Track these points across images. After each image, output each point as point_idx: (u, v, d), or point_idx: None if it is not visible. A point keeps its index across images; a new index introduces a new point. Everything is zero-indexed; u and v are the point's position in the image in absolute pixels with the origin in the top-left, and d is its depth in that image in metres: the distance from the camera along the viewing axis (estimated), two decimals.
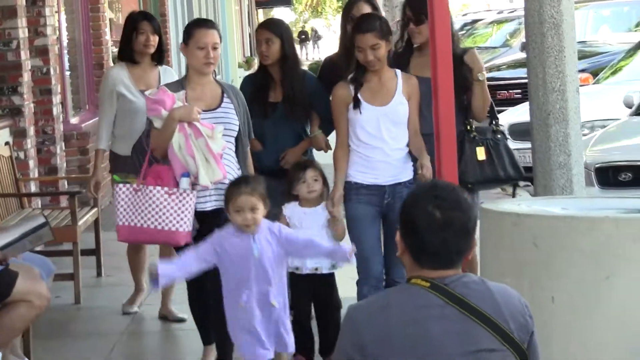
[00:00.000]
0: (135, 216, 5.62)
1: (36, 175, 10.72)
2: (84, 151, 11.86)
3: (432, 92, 5.67)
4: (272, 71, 7.26)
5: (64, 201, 10.34)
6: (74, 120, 12.94)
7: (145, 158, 5.96)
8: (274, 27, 7.52)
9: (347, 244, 6.04)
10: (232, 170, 6.04)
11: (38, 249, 7.53)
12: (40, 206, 10.18)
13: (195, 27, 6.22)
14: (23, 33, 10.35)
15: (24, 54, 10.34)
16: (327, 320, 6.40)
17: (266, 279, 5.45)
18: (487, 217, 5.36)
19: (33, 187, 10.45)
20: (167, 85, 6.24)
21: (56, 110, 11.42)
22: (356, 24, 6.54)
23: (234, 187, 5.56)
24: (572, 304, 4.64)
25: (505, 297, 3.78)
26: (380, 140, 6.24)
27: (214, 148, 5.63)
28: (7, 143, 9.57)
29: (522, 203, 5.59)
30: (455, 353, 3.64)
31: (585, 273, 4.17)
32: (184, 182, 5.58)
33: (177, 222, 5.58)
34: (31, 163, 10.48)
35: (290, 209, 6.31)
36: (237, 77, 33.49)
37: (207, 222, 5.88)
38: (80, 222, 8.75)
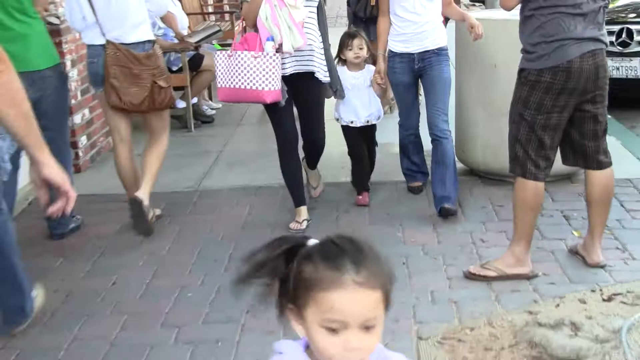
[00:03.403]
0: (229, 79, 4.20)
1: (211, 2, 10.93)
2: None
3: None
4: None
5: (227, 17, 10.44)
6: None
7: (239, 27, 4.45)
8: None
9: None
10: (313, 37, 4.30)
11: (214, 41, 7.94)
12: (214, 20, 10.23)
13: None
14: None
15: None
16: (371, 152, 5.06)
17: None
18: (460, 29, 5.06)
19: (210, 9, 10.60)
20: None
21: None
22: None
23: (333, 270, 1.32)
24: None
25: None
26: (414, 14, 4.58)
27: (296, 17, 4.11)
28: None
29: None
30: None
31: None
32: (268, 46, 4.11)
33: (264, 82, 4.11)
34: None
35: (342, 74, 4.72)
36: None
37: (289, 85, 4.34)
38: (235, 29, 8.88)
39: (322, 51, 4.36)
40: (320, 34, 4.35)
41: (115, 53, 4.40)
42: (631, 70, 6.94)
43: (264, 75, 4.10)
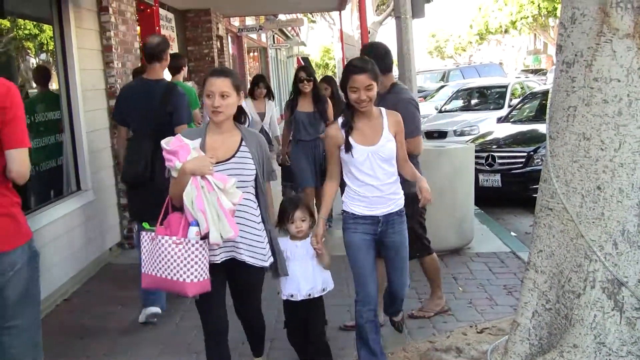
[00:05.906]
0: (152, 265, 2.58)
1: None
2: None
3: None
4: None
5: None
6: None
7: (164, 206, 2.66)
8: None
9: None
10: (250, 217, 2.69)
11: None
12: None
13: (208, 75, 2.68)
14: None
15: None
16: (319, 337, 3.10)
17: None
18: None
19: None
20: (188, 131, 2.79)
21: None
22: (352, 66, 2.87)
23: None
24: None
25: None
26: (374, 178, 2.88)
27: (225, 204, 2.51)
28: None
29: None
30: None
31: None
32: (192, 232, 2.51)
33: (185, 272, 2.49)
34: None
35: (284, 243, 2.98)
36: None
37: (216, 274, 2.65)
38: None
39: (262, 232, 2.73)
40: (259, 212, 2.74)
41: None
42: (495, 182, 7.09)
43: (185, 265, 2.50)
